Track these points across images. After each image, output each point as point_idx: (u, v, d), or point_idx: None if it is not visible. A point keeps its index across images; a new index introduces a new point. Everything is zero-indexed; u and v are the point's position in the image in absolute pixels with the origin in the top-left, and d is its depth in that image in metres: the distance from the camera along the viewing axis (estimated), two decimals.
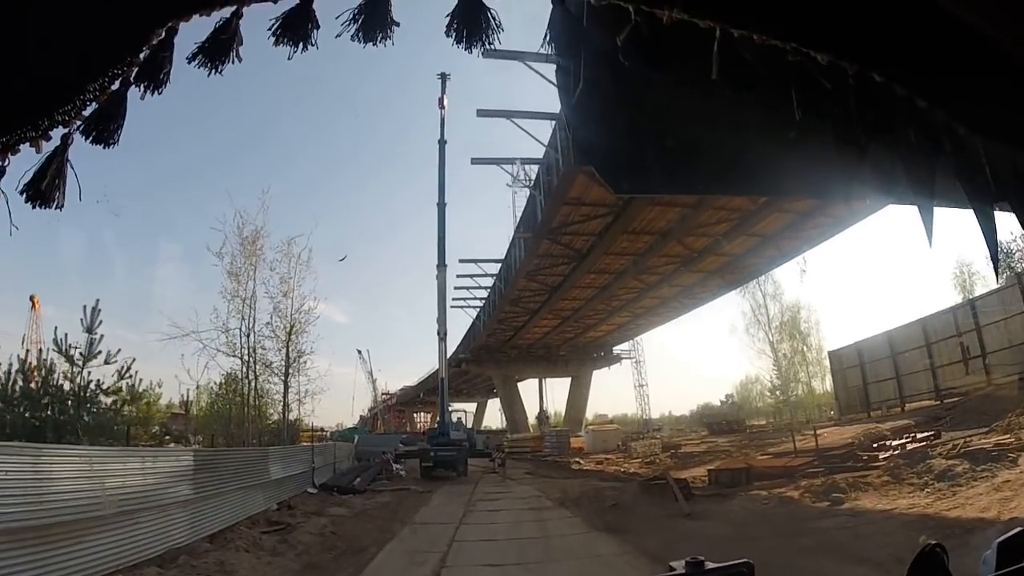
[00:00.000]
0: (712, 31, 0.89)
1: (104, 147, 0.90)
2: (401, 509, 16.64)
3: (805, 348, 49.47)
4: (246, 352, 22.68)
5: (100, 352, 15.53)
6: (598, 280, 36.45)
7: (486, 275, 41.55)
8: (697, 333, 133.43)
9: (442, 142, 32.50)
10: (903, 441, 17.32)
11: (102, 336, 15.64)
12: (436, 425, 32.22)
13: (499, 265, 39.84)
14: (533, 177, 28.66)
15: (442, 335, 30.74)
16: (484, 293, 45.67)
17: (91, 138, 0.89)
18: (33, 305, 40.19)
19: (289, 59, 0.91)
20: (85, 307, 15.69)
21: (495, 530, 13.00)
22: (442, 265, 31.44)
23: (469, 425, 55.11)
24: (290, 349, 23.98)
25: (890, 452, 16.49)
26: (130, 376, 15.86)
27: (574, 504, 16.05)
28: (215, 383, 23.35)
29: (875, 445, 18.04)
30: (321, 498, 19.14)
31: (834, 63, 0.91)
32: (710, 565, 1.28)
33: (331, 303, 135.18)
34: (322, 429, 53.32)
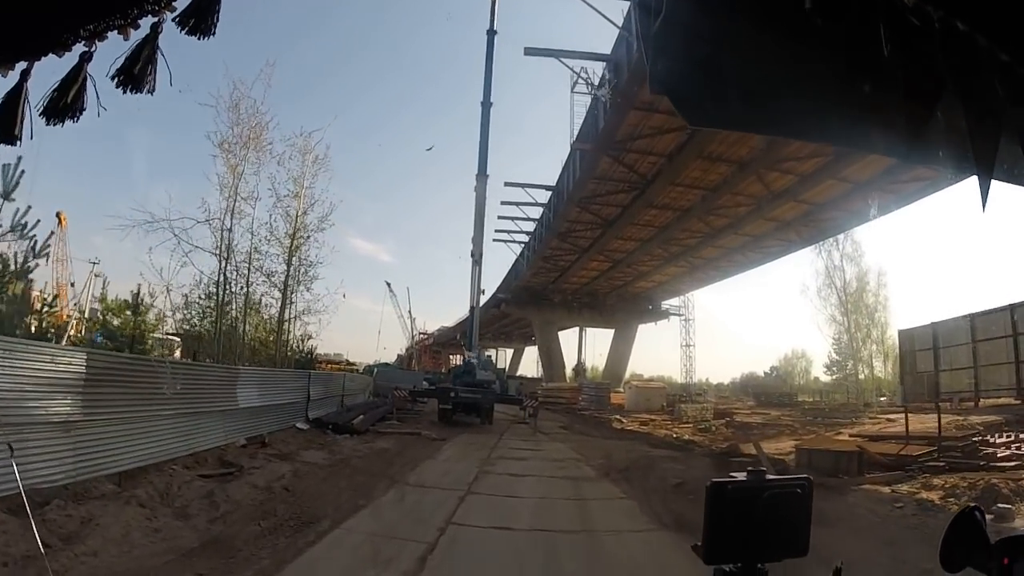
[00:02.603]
0: None
1: (200, 38, 0.91)
2: (399, 461, 12.82)
3: (870, 324, 44.56)
4: (236, 255, 18.93)
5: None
6: (659, 218, 32.18)
7: (534, 203, 37.04)
8: (739, 300, 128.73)
9: (491, 32, 27.79)
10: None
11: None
12: (462, 362, 28.30)
13: (548, 194, 35.29)
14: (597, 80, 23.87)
15: (476, 257, 26.42)
16: (530, 227, 41.25)
17: (187, 28, 0.90)
18: (60, 221, 38.56)
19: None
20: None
21: (513, 510, 8.99)
22: (482, 175, 26.92)
23: (505, 368, 52.38)
24: (292, 256, 20.12)
25: None
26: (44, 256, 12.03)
27: (623, 477, 11.96)
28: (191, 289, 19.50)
29: (991, 439, 14.43)
30: (308, 436, 15.62)
31: (920, 6, 0.88)
32: (771, 476, 1.41)
33: (378, 242, 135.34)
34: (349, 363, 51.41)
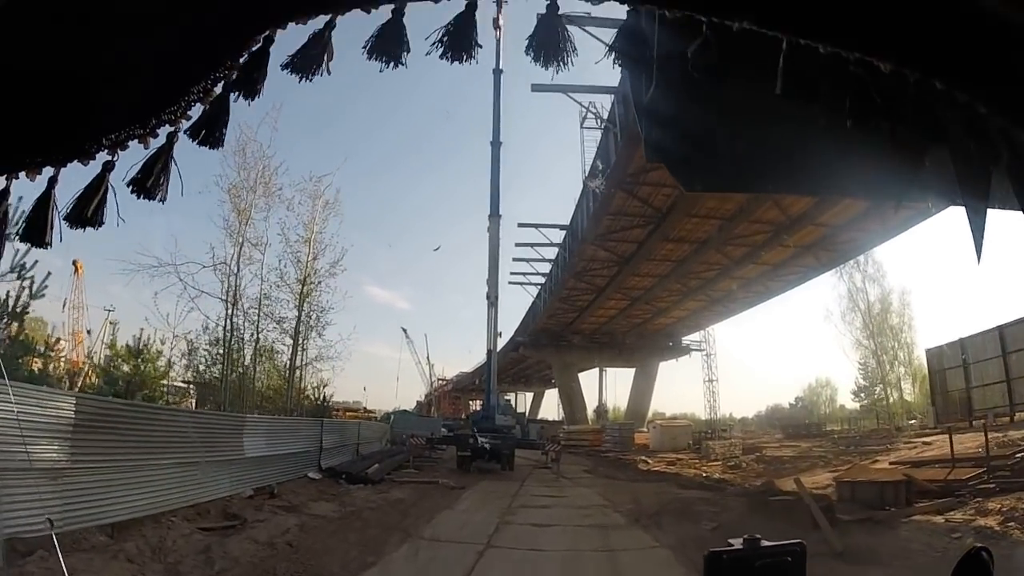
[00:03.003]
0: (779, 41, 0.90)
1: (210, 148, 0.95)
2: (413, 512, 12.02)
3: (896, 345, 43.15)
4: (245, 303, 18.51)
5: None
6: (676, 251, 31.52)
7: (549, 244, 36.60)
8: (755, 332, 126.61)
9: (497, 71, 27.62)
10: None
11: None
12: (481, 408, 27.42)
13: (563, 233, 34.85)
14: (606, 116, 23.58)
15: (492, 299, 25.69)
16: (545, 268, 40.75)
17: (198, 140, 0.93)
18: (76, 270, 39.02)
19: (380, 72, 0.94)
20: None
21: (537, 566, 8.19)
22: (495, 215, 26.41)
23: (525, 412, 51.23)
24: (303, 302, 19.67)
25: None
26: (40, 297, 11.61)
27: (654, 523, 11.07)
28: (197, 334, 19.00)
29: None
30: (320, 486, 14.92)
31: (896, 70, 0.91)
32: (765, 543, 1.42)
33: (394, 290, 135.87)
34: (367, 410, 50.82)
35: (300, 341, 20.11)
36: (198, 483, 10.92)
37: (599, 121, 24.72)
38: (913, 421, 36.18)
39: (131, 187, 0.93)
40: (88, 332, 34.67)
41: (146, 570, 7.18)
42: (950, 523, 9.95)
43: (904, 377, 43.80)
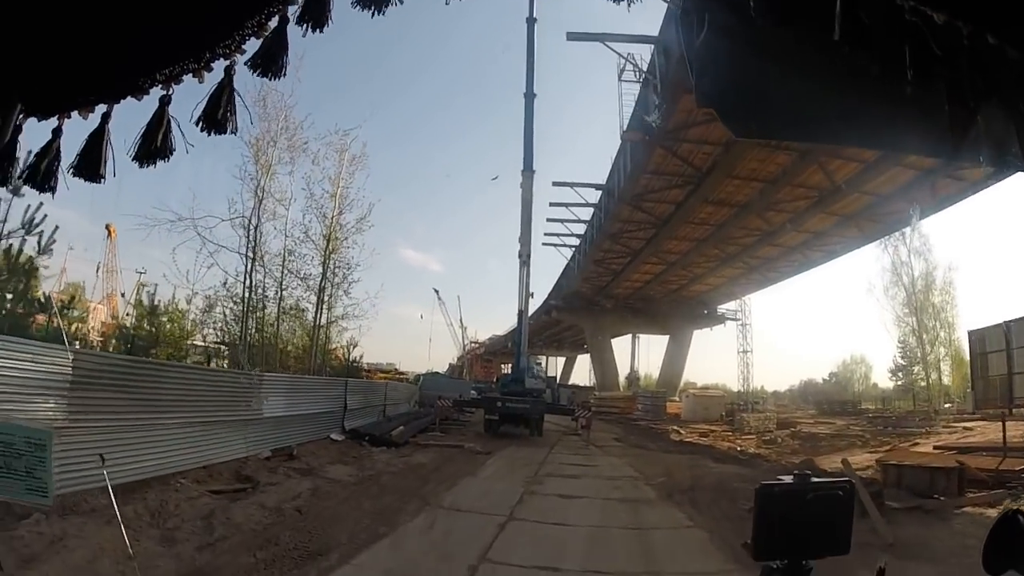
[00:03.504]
0: None
1: (271, 78, 0.96)
2: (435, 477, 11.49)
3: (937, 325, 41.23)
4: (268, 259, 18.00)
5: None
6: (715, 215, 30.32)
7: (584, 203, 35.39)
8: (789, 305, 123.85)
9: (531, 20, 26.13)
10: None
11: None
12: (510, 370, 26.78)
13: (599, 194, 33.66)
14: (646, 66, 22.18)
15: (524, 258, 24.52)
16: (580, 230, 39.61)
17: (258, 71, 0.94)
18: (109, 234, 39.76)
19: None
20: None
21: (562, 543, 7.50)
22: (528, 170, 25.04)
23: (556, 377, 50.75)
24: (328, 258, 19.12)
25: None
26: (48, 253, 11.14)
27: (688, 499, 10.32)
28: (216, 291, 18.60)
29: None
30: (342, 448, 14.52)
31: (949, 22, 0.90)
32: (815, 479, 1.48)
33: (428, 252, 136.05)
34: (399, 372, 51.11)
35: (325, 299, 19.62)
36: (210, 444, 10.55)
37: (637, 74, 23.33)
38: (949, 405, 34.85)
39: (200, 122, 0.93)
40: (123, 295, 35.03)
41: (141, 536, 6.68)
42: None
43: (944, 358, 42.05)
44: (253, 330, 18.36)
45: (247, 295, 17.73)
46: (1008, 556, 1.33)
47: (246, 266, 17.53)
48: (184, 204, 21.97)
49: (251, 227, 17.43)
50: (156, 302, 15.62)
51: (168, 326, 19.65)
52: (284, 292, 18.94)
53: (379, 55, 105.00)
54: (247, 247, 17.45)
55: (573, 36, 21.36)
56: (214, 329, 18.66)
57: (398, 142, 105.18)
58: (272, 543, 6.76)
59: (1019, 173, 1.09)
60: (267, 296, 18.78)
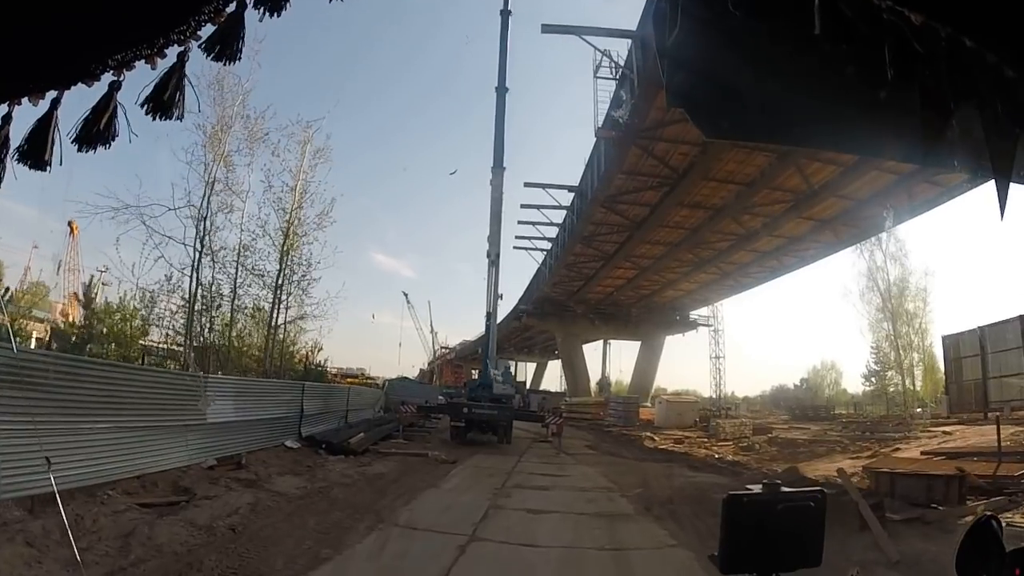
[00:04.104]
0: None
1: (225, 64, 0.94)
2: (393, 490, 10.55)
3: (910, 331, 41.57)
4: (223, 253, 16.88)
5: None
6: (690, 218, 29.89)
7: (556, 206, 34.69)
8: (757, 312, 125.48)
9: (505, 12, 25.27)
10: None
11: None
12: (477, 375, 25.82)
13: (571, 196, 32.98)
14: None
15: (493, 258, 23.53)
16: (552, 233, 38.85)
17: (212, 55, 0.92)
18: (71, 231, 38.03)
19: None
20: None
21: (531, 567, 6.65)
22: (498, 167, 24.09)
23: (525, 383, 49.92)
24: (285, 255, 18.03)
25: None
26: None
27: (668, 513, 9.53)
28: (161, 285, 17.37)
29: None
30: (296, 456, 13.51)
31: (927, 24, 0.91)
32: (785, 488, 1.45)
33: (400, 258, 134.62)
34: (368, 377, 50.21)
35: (283, 297, 18.50)
36: (145, 451, 9.53)
37: (613, 71, 22.67)
38: (920, 410, 34.95)
39: (146, 105, 0.91)
40: (75, 294, 33.67)
41: (45, 556, 5.73)
42: (1014, 527, 8.44)
43: (917, 364, 42.36)
44: (206, 329, 17.17)
45: (195, 290, 16.54)
46: (982, 562, 1.33)
47: (194, 259, 16.34)
48: (130, 191, 20.55)
49: (200, 217, 16.22)
50: (107, 300, 14.21)
51: (120, 325, 18.48)
52: (239, 290, 17.78)
53: (352, 59, 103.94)
54: (195, 238, 16.26)
55: (548, 28, 20.61)
56: (159, 327, 17.38)
57: (372, 144, 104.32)
58: (194, 569, 5.82)
59: (992, 180, 0.95)
60: (221, 294, 17.62)
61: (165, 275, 16.82)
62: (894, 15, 0.89)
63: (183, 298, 16.74)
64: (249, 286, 18.12)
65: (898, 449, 17.56)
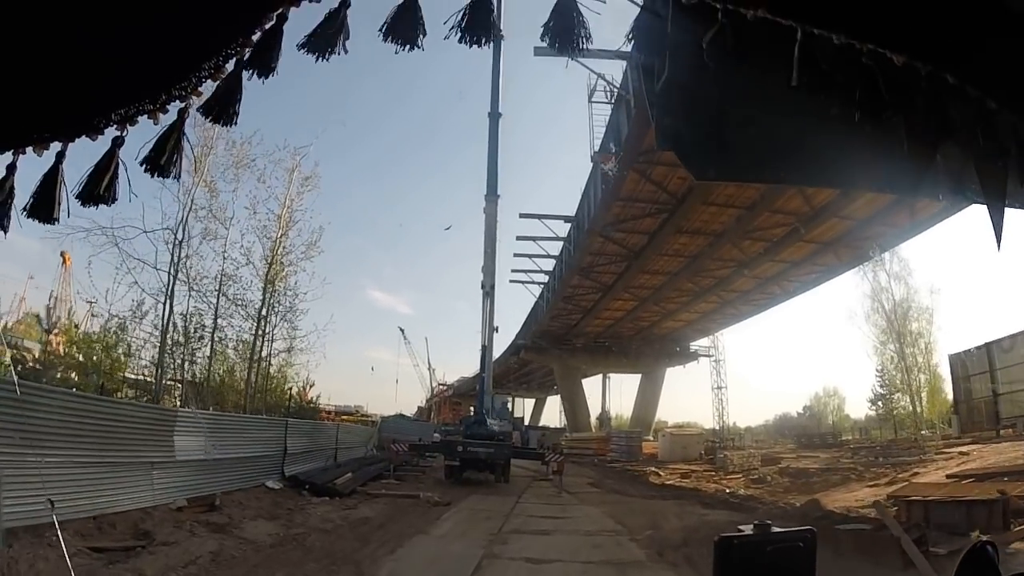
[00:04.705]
0: (793, 30, 0.91)
1: (223, 125, 0.96)
2: (377, 537, 9.50)
3: (915, 351, 40.64)
4: (205, 282, 16.06)
5: None
6: (690, 245, 29.33)
7: (553, 237, 34.08)
8: (755, 341, 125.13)
9: (497, 36, 24.58)
10: None
11: None
12: (473, 411, 24.74)
13: (568, 227, 32.42)
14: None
15: (488, 288, 22.54)
16: (549, 266, 38.16)
17: (211, 116, 0.93)
18: (64, 261, 37.32)
19: (396, 53, 0.93)
20: None
21: None
22: (492, 195, 23.10)
23: (525, 420, 48.69)
24: (271, 285, 17.19)
25: None
26: None
27: (683, 558, 8.51)
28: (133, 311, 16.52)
29: None
30: (277, 498, 12.56)
31: (908, 64, 0.92)
32: (776, 529, 1.39)
33: (396, 295, 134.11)
34: (364, 415, 49.42)
35: (268, 330, 17.58)
36: (104, 489, 8.86)
37: (609, 95, 22.19)
38: (925, 432, 33.95)
39: (144, 165, 0.92)
40: (76, 326, 33.38)
41: None
42: None
43: (924, 385, 41.34)
44: (187, 362, 16.23)
45: (167, 317, 15.64)
46: None
47: (168, 284, 15.48)
48: (104, 211, 19.80)
49: (175, 243, 15.42)
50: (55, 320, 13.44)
51: (99, 355, 17.60)
52: (220, 320, 16.88)
53: (347, 92, 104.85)
54: (170, 264, 15.43)
55: (541, 51, 20.02)
56: (131, 356, 16.43)
57: (367, 180, 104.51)
58: None
59: (976, 205, 0.99)
60: (203, 324, 16.74)
61: (135, 300, 15.98)
62: (874, 59, 0.90)
63: (155, 326, 15.82)
64: (231, 316, 17.22)
65: (916, 473, 16.76)
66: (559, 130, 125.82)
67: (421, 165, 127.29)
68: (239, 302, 17.10)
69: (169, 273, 15.51)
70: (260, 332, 17.47)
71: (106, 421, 9.27)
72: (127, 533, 8.42)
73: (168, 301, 15.51)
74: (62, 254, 35.39)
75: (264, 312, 17.41)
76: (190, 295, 16.27)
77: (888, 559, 7.64)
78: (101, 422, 9.16)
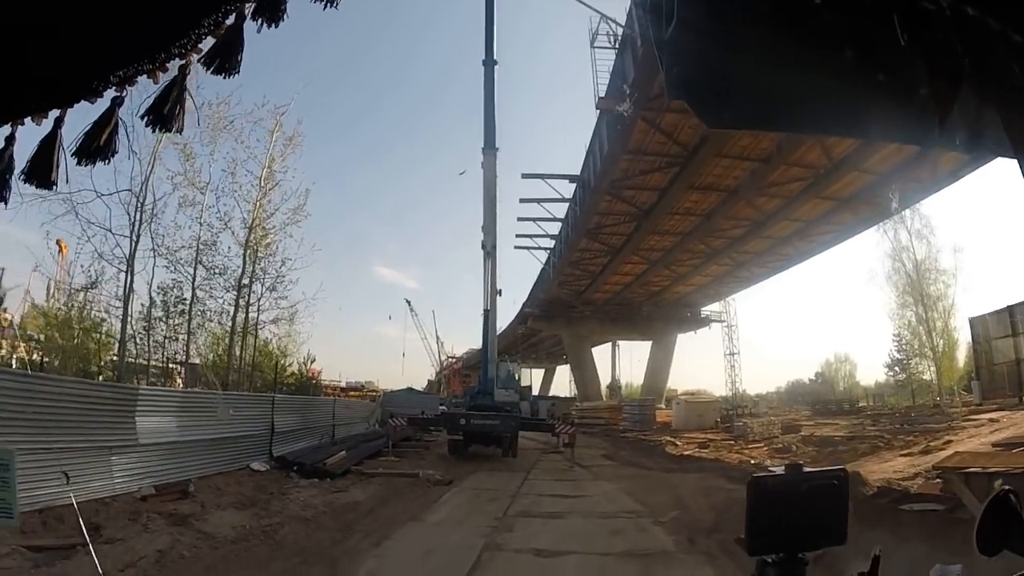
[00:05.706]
0: None
1: (225, 76, 0.93)
2: (362, 526, 8.30)
3: (935, 315, 39.15)
4: (184, 252, 14.80)
5: None
6: (702, 203, 28.00)
7: (559, 198, 32.54)
8: (765, 307, 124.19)
9: None
10: None
11: None
12: (477, 381, 23.48)
13: (573, 187, 30.90)
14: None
15: (489, 248, 20.97)
16: (554, 229, 36.77)
17: (212, 68, 0.92)
18: (60, 249, 36.95)
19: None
20: None
21: None
22: (490, 148, 21.44)
23: (534, 390, 47.62)
24: (250, 251, 15.88)
25: None
26: None
27: (718, 546, 7.15)
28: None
29: None
30: (261, 481, 11.49)
31: None
32: (808, 469, 1.41)
33: (402, 270, 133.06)
34: (373, 391, 48.91)
35: (249, 298, 16.28)
36: (51, 478, 7.52)
37: (612, 40, 20.50)
38: (941, 399, 32.70)
39: (146, 117, 0.90)
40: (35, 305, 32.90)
41: None
42: None
43: (943, 350, 40.03)
44: (165, 337, 15.03)
45: (128, 283, 14.39)
46: (1002, 536, 1.29)
47: (130, 250, 14.19)
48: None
49: (140, 204, 14.09)
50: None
51: (79, 338, 16.50)
52: (199, 291, 15.62)
53: (353, 66, 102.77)
54: (130, 228, 14.15)
55: None
56: (96, 334, 15.24)
57: (372, 158, 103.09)
58: None
59: (997, 159, 0.95)
60: (183, 298, 15.49)
61: (92, 268, 14.81)
62: None
63: (117, 297, 14.58)
64: (212, 288, 15.95)
65: (950, 441, 15.37)
66: (564, 81, 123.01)
67: (424, 138, 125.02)
68: (218, 270, 15.80)
69: (130, 238, 14.21)
70: (243, 303, 16.17)
71: (49, 402, 8.08)
72: (76, 528, 7.30)
73: (129, 269, 14.22)
74: (58, 241, 34.54)
75: (246, 281, 16.08)
76: (156, 262, 15.05)
77: (964, 541, 6.39)
78: (48, 404, 8.02)
